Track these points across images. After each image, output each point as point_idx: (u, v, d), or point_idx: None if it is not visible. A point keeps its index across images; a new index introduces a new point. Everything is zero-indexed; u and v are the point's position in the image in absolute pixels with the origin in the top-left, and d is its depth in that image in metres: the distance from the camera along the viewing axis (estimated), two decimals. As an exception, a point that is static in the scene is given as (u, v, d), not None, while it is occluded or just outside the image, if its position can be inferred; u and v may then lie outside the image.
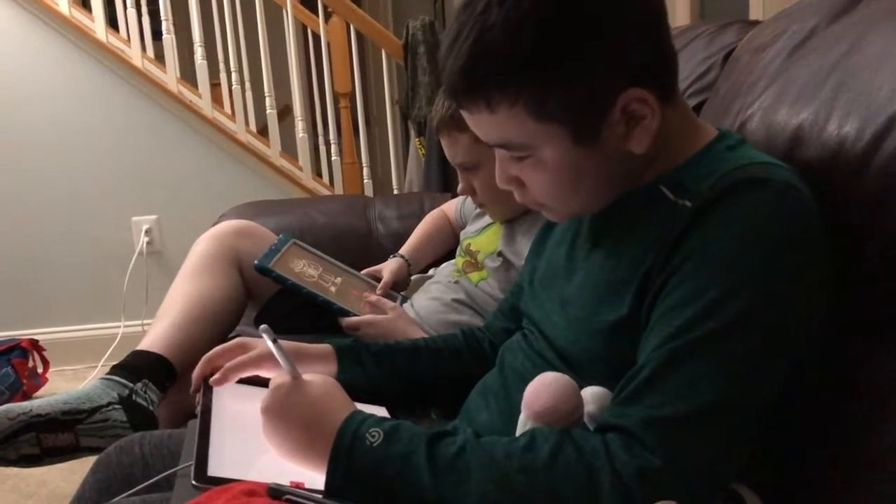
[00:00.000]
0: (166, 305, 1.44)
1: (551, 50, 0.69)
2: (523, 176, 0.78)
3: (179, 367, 1.31)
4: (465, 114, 0.76)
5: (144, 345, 1.35)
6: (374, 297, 1.45)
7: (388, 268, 1.61)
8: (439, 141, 1.36)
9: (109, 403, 1.19)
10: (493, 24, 0.68)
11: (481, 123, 0.75)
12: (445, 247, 1.71)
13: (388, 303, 1.42)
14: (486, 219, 1.49)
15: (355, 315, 1.43)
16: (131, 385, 1.24)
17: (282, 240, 1.54)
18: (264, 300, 1.54)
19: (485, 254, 1.41)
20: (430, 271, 1.64)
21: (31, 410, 1.14)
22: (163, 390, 1.29)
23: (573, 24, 0.69)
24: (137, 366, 1.29)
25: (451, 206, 1.77)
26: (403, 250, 1.68)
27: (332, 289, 1.50)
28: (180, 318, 1.38)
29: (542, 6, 0.68)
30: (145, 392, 1.25)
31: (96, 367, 2.81)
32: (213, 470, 0.74)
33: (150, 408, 1.24)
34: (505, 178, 0.80)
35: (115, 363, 1.31)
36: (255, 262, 1.44)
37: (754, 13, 2.22)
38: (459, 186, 1.37)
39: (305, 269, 1.50)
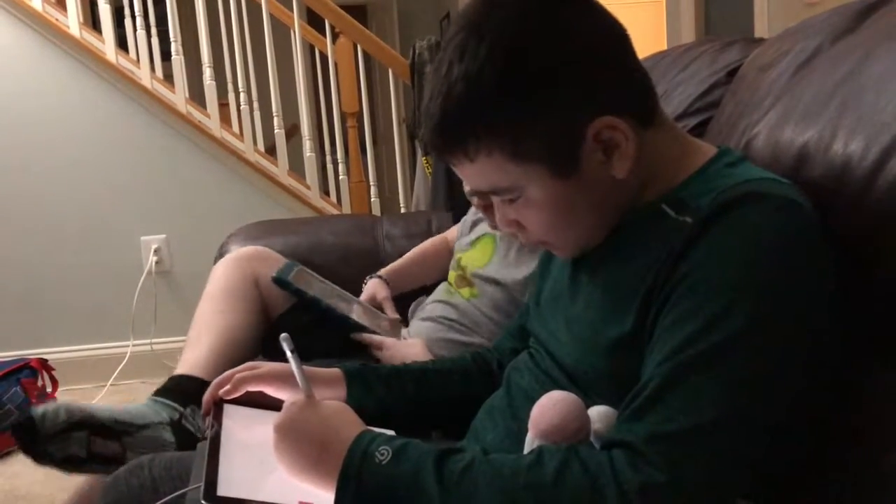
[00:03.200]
0: (202, 327, 1.44)
1: (511, 94, 0.72)
2: (520, 217, 0.80)
3: None
4: (452, 167, 0.79)
5: (185, 368, 1.36)
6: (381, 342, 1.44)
7: (369, 290, 1.60)
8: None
9: (161, 423, 1.22)
10: (455, 79, 0.72)
11: (467, 173, 0.79)
12: (440, 269, 1.67)
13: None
14: (478, 230, 1.50)
15: (372, 331, 1.42)
16: (181, 409, 1.26)
17: (289, 264, 1.55)
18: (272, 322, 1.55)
19: (472, 269, 1.41)
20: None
21: (87, 410, 1.16)
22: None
23: (528, 66, 0.72)
24: (185, 391, 1.30)
25: (453, 232, 1.77)
26: (381, 271, 1.67)
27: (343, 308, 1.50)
28: (218, 342, 1.40)
29: (495, 54, 0.71)
30: (193, 418, 1.26)
31: (105, 386, 2.81)
32: (223, 490, 0.74)
33: (197, 434, 1.25)
34: (504, 222, 0.82)
35: (158, 387, 1.32)
36: (274, 274, 1.42)
37: (759, 31, 2.23)
38: (466, 188, 1.38)
39: (317, 292, 1.51)
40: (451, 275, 1.49)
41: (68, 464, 1.15)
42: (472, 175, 0.78)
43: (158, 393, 1.31)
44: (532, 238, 0.83)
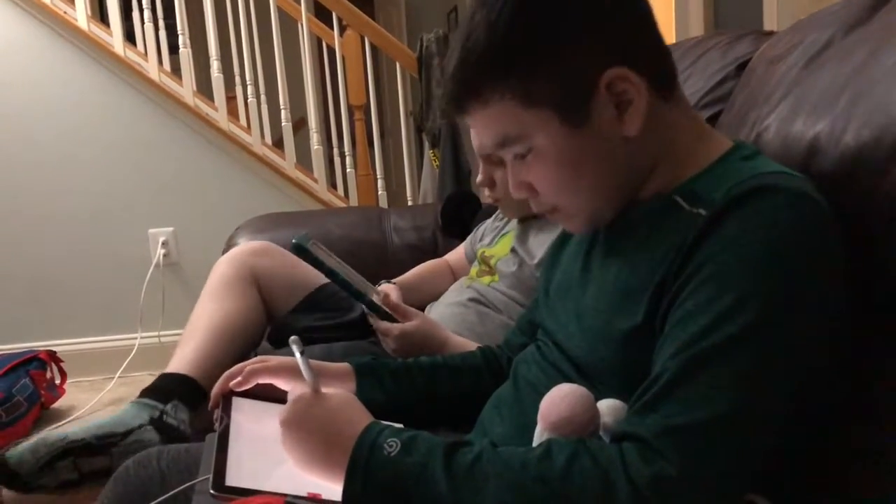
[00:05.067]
0: (190, 328, 1.46)
1: (526, 37, 0.74)
2: (531, 177, 0.80)
3: (206, 386, 1.33)
4: (467, 120, 0.81)
5: (171, 367, 1.37)
6: (392, 304, 1.42)
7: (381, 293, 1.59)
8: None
9: (141, 426, 1.22)
10: (476, 24, 0.75)
11: (478, 123, 0.80)
12: (439, 287, 1.63)
13: (410, 309, 1.38)
14: (503, 231, 1.50)
15: (385, 314, 1.38)
16: (161, 406, 1.27)
17: (305, 235, 1.50)
18: (281, 318, 1.55)
19: (497, 258, 1.41)
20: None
21: (66, 437, 1.17)
22: (193, 409, 1.30)
23: (543, 9, 0.74)
24: (166, 387, 1.31)
25: (454, 254, 1.74)
26: (395, 280, 1.63)
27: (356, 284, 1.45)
28: (204, 339, 1.41)
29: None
30: (175, 412, 1.27)
31: (113, 378, 2.83)
32: (231, 480, 0.75)
33: (181, 427, 1.26)
34: (516, 184, 0.83)
35: (144, 388, 1.34)
36: (294, 240, 1.36)
37: (768, 23, 2.21)
38: (479, 178, 1.38)
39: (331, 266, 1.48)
40: (473, 270, 1.49)
41: (63, 489, 1.16)
42: (484, 124, 0.80)
43: (143, 392, 1.32)
44: (543, 202, 0.83)
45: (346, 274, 1.39)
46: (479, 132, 0.82)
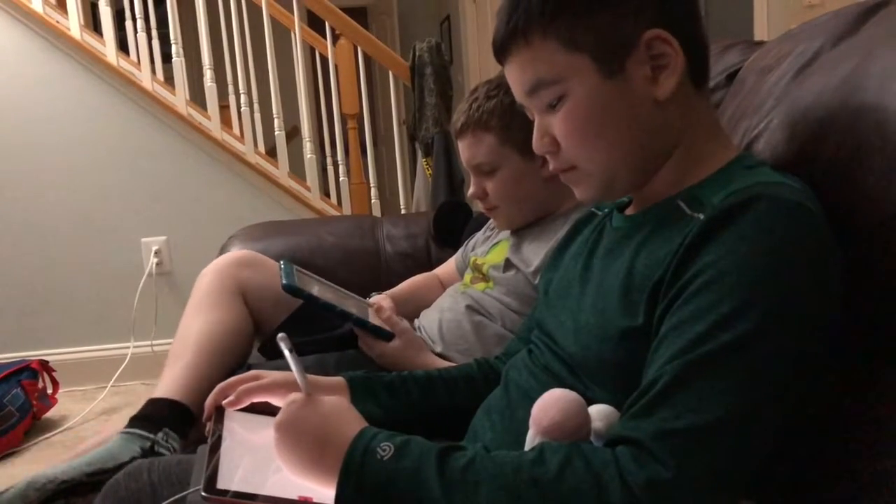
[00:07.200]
0: (177, 347, 1.44)
1: None
2: (556, 128, 0.81)
3: (196, 408, 1.31)
4: (505, 65, 0.83)
5: (160, 391, 1.35)
6: (386, 315, 1.39)
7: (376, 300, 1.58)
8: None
9: (133, 458, 1.20)
10: None
11: (516, 66, 0.82)
12: (429, 301, 1.59)
13: (400, 324, 1.38)
14: (494, 240, 1.50)
15: (385, 333, 1.37)
16: (152, 436, 1.25)
17: (286, 268, 1.46)
18: (269, 330, 1.55)
19: (490, 265, 1.42)
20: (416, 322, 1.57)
21: (56, 478, 1.15)
22: (183, 436, 1.29)
23: None
24: (156, 416, 1.30)
25: (444, 267, 1.73)
26: (387, 292, 1.60)
27: (352, 310, 1.41)
28: (191, 358, 1.39)
29: None
30: (167, 441, 1.26)
31: (106, 387, 2.82)
32: (223, 484, 0.74)
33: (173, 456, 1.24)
34: (541, 134, 0.84)
35: (133, 415, 1.32)
36: (284, 282, 1.33)
37: (758, 33, 2.23)
38: (470, 191, 1.39)
39: (322, 293, 1.48)
40: (467, 277, 1.48)
41: None
42: (522, 66, 0.81)
43: (132, 421, 1.30)
44: (563, 159, 0.83)
45: (335, 298, 1.38)
46: (514, 78, 0.83)
